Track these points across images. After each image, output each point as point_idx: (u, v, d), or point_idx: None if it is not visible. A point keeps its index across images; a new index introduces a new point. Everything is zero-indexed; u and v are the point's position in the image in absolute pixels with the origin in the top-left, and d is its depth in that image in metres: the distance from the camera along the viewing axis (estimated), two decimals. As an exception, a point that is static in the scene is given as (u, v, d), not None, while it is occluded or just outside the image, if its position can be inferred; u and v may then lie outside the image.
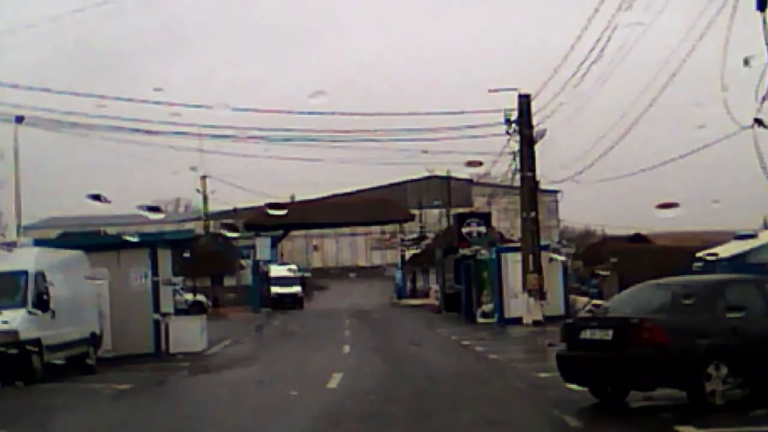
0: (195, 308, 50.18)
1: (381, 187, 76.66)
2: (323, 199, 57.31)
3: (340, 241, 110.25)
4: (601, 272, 47.53)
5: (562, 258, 36.98)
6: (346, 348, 25.85)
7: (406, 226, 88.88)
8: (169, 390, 17.28)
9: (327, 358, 23.13)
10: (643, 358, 12.15)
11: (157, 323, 25.99)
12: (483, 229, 47.49)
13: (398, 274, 65.78)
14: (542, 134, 35.44)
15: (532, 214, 35.18)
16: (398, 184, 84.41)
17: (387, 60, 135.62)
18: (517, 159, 35.54)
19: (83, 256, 23.70)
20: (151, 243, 25.73)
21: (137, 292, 25.92)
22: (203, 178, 75.58)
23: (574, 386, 13.71)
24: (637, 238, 55.79)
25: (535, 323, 34.52)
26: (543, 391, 15.48)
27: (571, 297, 37.57)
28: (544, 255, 35.88)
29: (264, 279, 59.42)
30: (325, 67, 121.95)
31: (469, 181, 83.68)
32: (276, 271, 61.37)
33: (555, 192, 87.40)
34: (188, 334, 26.70)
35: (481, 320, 37.34)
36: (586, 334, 13.13)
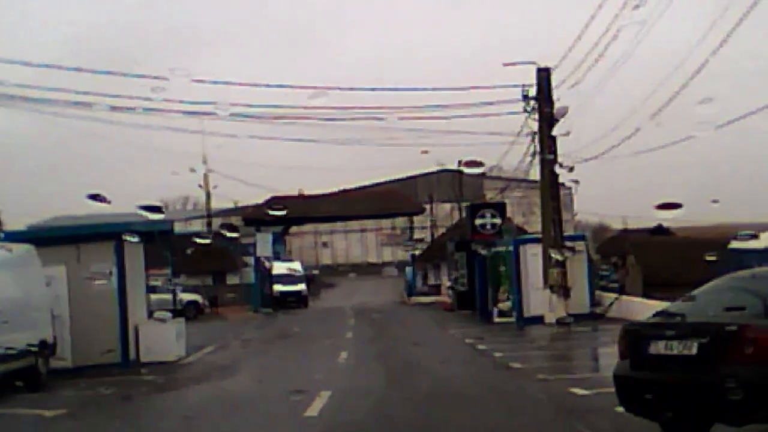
0: (190, 309, 46.53)
1: (391, 181, 72.83)
2: (329, 194, 53.45)
3: (350, 237, 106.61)
4: (618, 262, 43.85)
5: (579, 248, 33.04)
6: (343, 355, 21.96)
7: (417, 219, 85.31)
8: (103, 419, 13.41)
9: (318, 368, 19.24)
10: (747, 380, 8.25)
11: (124, 329, 22.19)
12: (498, 220, 43.53)
13: (408, 271, 61.73)
14: (564, 112, 31.22)
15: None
16: (408, 178, 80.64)
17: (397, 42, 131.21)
18: (536, 140, 31.57)
19: (32, 252, 19.91)
20: (115, 234, 21.88)
21: (100, 292, 22.14)
22: (205, 173, 72.09)
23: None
24: (659, 230, 52.11)
25: (559, 322, 30.58)
26: (586, 417, 11.60)
27: (597, 293, 33.62)
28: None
29: (266, 277, 55.59)
30: (335, 57, 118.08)
31: (481, 174, 79.81)
32: (279, 268, 57.48)
33: (575, 181, 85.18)
34: (162, 340, 22.88)
35: (498, 319, 33.40)
36: (658, 348, 9.17)
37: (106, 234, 22.05)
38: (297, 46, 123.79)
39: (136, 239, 21.40)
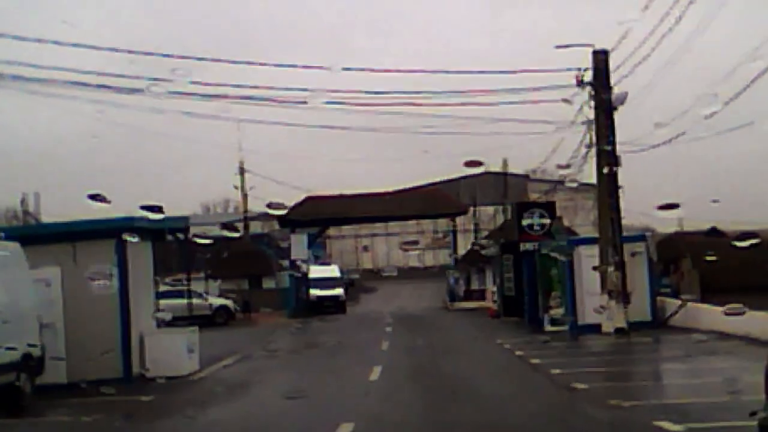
0: (220, 314, 43.71)
1: (432, 184, 69.59)
2: (369, 194, 50.31)
3: (390, 241, 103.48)
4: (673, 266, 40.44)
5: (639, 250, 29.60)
6: (376, 371, 18.75)
7: (461, 221, 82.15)
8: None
9: (343, 389, 16.12)
10: None
11: (126, 339, 19.22)
12: (546, 220, 40.14)
13: (451, 275, 58.40)
14: (623, 99, 28.09)
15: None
16: (450, 181, 77.37)
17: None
18: (593, 129, 28.23)
19: (17, 250, 17.04)
20: (116, 232, 18.92)
21: (100, 296, 19.21)
22: (241, 172, 69.47)
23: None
24: (714, 232, 48.50)
25: (618, 332, 27.25)
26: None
27: (659, 299, 30.16)
28: (627, 248, 28.58)
29: (302, 281, 52.64)
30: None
31: (525, 177, 76.36)
32: (316, 271, 54.53)
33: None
34: (171, 352, 19.89)
35: (549, 328, 30.03)
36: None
37: (105, 231, 19.09)
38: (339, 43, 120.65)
39: (135, 238, 18.42)
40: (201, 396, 16.42)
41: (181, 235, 23.25)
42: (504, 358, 22.29)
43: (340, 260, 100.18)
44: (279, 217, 50.49)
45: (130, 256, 19.52)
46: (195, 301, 42.12)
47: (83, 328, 18.75)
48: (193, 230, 62.06)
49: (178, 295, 43.25)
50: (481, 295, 52.30)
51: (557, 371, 18.09)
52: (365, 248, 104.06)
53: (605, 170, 27.66)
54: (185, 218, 22.62)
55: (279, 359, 23.82)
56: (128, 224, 18.15)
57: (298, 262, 52.93)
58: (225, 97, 27.16)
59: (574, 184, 40.14)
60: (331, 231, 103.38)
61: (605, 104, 27.90)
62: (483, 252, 51.40)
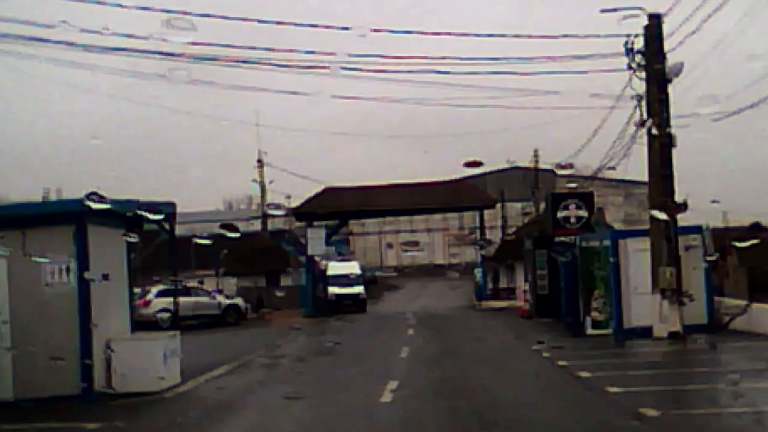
0: (231, 313, 40.17)
1: (458, 180, 65.81)
2: (391, 185, 46.50)
3: (415, 238, 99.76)
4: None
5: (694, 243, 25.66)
6: (391, 388, 15.02)
7: (488, 216, 78.69)
8: None
9: (350, 414, 12.41)
10: None
11: (86, 347, 15.60)
12: (584, 212, 36.27)
13: (479, 272, 54.34)
14: (678, 70, 24.20)
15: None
16: (477, 176, 73.54)
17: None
18: (643, 104, 24.36)
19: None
20: (75, 217, 15.33)
21: (55, 295, 15.65)
22: (260, 165, 66.01)
23: None
24: (756, 227, 44.68)
25: (672, 337, 23.43)
26: None
27: (716, 299, 26.22)
28: (680, 242, 24.70)
29: (320, 278, 48.97)
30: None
31: (552, 172, 72.57)
32: (335, 268, 50.83)
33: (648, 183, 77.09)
34: (145, 363, 16.27)
35: (591, 331, 26.20)
36: None
37: (61, 216, 15.55)
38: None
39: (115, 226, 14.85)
40: (163, 424, 12.76)
41: (166, 225, 19.61)
42: (543, 368, 18.49)
43: (363, 258, 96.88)
44: (294, 210, 46.85)
45: (93, 246, 15.91)
46: (202, 299, 38.70)
47: (34, 333, 15.20)
48: (213, 228, 58.32)
49: (185, 293, 39.84)
50: (510, 293, 48.41)
51: (615, 389, 14.32)
52: (389, 245, 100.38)
53: (658, 150, 23.85)
54: (169, 204, 18.90)
55: (279, 369, 20.13)
56: (88, 207, 14.51)
57: (317, 258, 49.37)
58: (244, 61, 23.55)
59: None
60: (355, 228, 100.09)
61: (658, 76, 24.05)
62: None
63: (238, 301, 42.26)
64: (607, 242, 26.67)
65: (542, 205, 60.02)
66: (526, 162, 70.49)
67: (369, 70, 22.21)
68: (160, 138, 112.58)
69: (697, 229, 25.82)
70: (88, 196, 12.00)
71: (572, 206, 36.62)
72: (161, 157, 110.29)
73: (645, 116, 24.27)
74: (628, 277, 25.74)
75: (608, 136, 28.20)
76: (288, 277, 58.05)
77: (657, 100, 24.05)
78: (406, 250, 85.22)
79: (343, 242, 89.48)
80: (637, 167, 29.99)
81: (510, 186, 77.31)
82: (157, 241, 73.52)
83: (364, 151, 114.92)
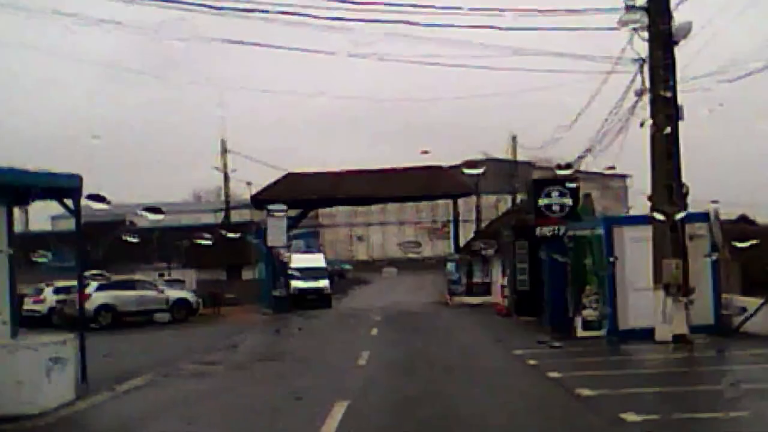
0: (179, 309, 36.24)
1: (431, 167, 62.01)
2: (359, 171, 42.64)
3: (387, 231, 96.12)
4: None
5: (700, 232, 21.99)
6: (338, 412, 11.20)
7: (462, 209, 75.21)
8: None
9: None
10: None
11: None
12: (568, 200, 32.70)
13: (451, 266, 50.51)
14: (686, 31, 20.58)
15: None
16: (450, 168, 69.84)
17: None
18: (645, 69, 20.72)
19: None
20: None
21: None
22: (223, 152, 62.07)
23: None
24: (743, 220, 41.53)
25: (677, 340, 19.86)
26: None
27: (724, 296, 22.60)
28: (686, 230, 21.07)
29: (282, 271, 45.09)
30: None
31: (530, 164, 69.06)
32: (298, 261, 46.95)
33: (624, 176, 73.64)
34: (19, 376, 12.39)
35: (582, 332, 22.52)
36: None
37: None
38: None
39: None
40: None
41: (69, 203, 15.61)
42: (534, 384, 14.74)
43: (333, 251, 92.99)
44: (253, 197, 42.90)
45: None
46: (148, 293, 34.78)
47: None
48: (181, 219, 53.94)
49: (129, 287, 35.91)
50: (485, 288, 44.77)
51: (632, 418, 10.65)
52: (359, 238, 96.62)
53: (663, 122, 20.21)
54: (71, 176, 14.95)
55: (208, 381, 16.24)
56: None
57: (278, 250, 45.45)
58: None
59: (574, 184, 32.94)
60: (324, 220, 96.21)
61: (663, 37, 20.41)
62: (483, 253, 44.12)
63: (188, 295, 38.33)
64: (599, 230, 23.04)
65: (519, 199, 56.53)
66: (502, 154, 67.16)
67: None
68: (131, 130, 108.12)
69: (703, 217, 22.13)
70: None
71: (555, 193, 33.01)
72: (130, 150, 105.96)
73: (648, 84, 20.65)
74: (624, 270, 22.17)
75: (601, 118, 24.58)
76: (251, 270, 54.17)
77: (662, 64, 20.43)
78: (407, 252, 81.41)
79: (312, 235, 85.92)
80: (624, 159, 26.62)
81: (484, 179, 73.92)
82: (116, 233, 69.44)
83: (343, 144, 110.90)
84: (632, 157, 27.52)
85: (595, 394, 12.80)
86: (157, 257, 57.83)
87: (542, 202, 32.90)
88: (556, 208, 32.74)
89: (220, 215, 70.30)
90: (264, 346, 23.66)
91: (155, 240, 57.52)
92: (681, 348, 19.50)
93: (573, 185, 32.43)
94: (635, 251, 22.07)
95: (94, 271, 36.24)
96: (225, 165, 62.11)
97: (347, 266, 79.29)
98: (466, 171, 36.90)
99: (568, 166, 27.20)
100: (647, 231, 21.32)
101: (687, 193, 21.23)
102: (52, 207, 15.99)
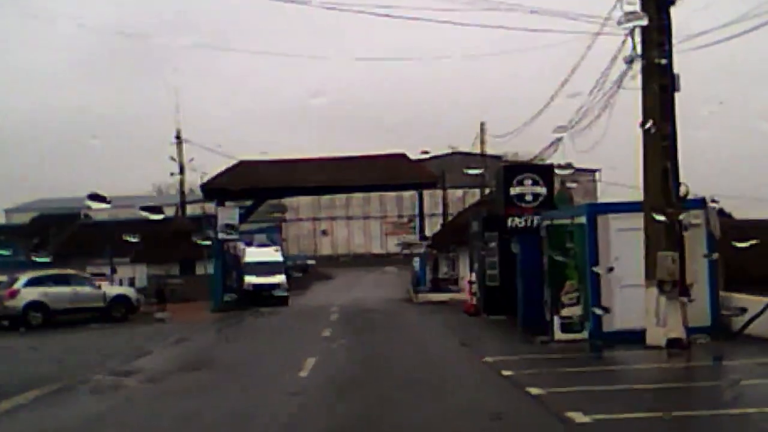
0: (118, 307, 32.91)
1: (394, 155, 58.91)
2: (316, 159, 39.49)
3: (352, 225, 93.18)
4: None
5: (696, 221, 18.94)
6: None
7: (428, 203, 72.41)
8: None
9: None
10: None
11: None
12: (542, 189, 29.78)
13: (417, 261, 47.46)
14: (684, -13, 17.67)
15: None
16: (415, 162, 66.77)
17: None
18: (636, 35, 17.76)
19: None
20: None
21: None
22: (179, 142, 58.66)
23: None
24: (719, 213, 38.82)
25: (672, 345, 16.99)
26: None
27: (722, 294, 19.73)
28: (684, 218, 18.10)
29: (234, 266, 41.88)
30: None
31: (499, 158, 66.21)
32: (252, 255, 43.77)
33: (594, 171, 71.03)
34: None
35: (560, 335, 19.52)
36: None
37: None
38: None
39: None
40: None
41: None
42: (513, 405, 11.71)
43: (297, 246, 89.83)
44: (202, 186, 39.60)
45: None
46: (83, 290, 31.44)
47: None
48: (140, 213, 50.35)
49: (62, 282, 32.55)
50: (452, 284, 41.84)
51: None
52: (324, 233, 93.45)
53: (657, 95, 17.30)
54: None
55: (109, 399, 13.06)
56: None
57: (234, 244, 42.27)
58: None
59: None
60: (287, 213, 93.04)
61: (657, -5, 17.49)
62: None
63: (129, 291, 34.97)
64: (581, 219, 20.10)
65: (486, 191, 53.61)
66: (470, 147, 64.43)
67: None
68: (92, 123, 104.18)
69: (699, 204, 19.13)
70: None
71: (528, 182, 30.04)
72: (91, 143, 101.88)
73: (639, 49, 17.70)
74: (610, 263, 19.24)
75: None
76: (205, 265, 50.87)
77: (656, 27, 17.49)
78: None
79: (276, 230, 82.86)
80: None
81: (451, 172, 71.25)
82: (73, 227, 65.77)
83: (310, 137, 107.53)
84: (607, 146, 24.81)
85: (590, 421, 9.85)
86: (111, 252, 54.73)
87: (514, 191, 29.93)
88: (529, 197, 29.76)
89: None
90: (198, 350, 20.49)
91: (110, 234, 54.64)
92: (677, 355, 16.64)
93: (549, 172, 29.63)
94: (623, 243, 19.15)
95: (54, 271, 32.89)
96: (180, 155, 58.71)
97: (310, 261, 76.11)
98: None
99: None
100: (637, 220, 18.42)
101: (686, 195, 18.34)
102: None
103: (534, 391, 12.29)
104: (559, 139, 26.40)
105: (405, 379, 14.01)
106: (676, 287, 17.40)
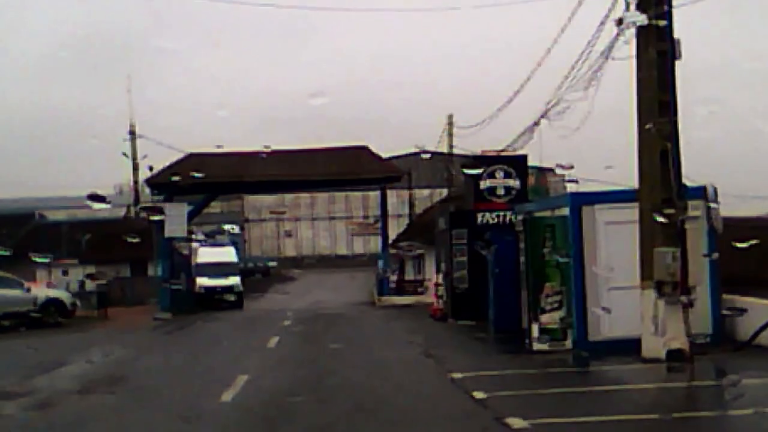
0: (51, 311, 29.69)
1: (355, 147, 55.76)
2: (273, 152, 36.40)
3: (317, 226, 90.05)
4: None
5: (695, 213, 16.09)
6: None
7: (394, 205, 69.53)
8: None
9: None
10: None
11: None
12: (515, 182, 27.14)
13: (381, 262, 44.43)
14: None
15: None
16: (379, 156, 63.68)
17: None
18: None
19: None
20: None
21: None
22: (132, 136, 55.21)
23: None
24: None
25: (673, 357, 14.28)
26: None
27: (725, 297, 16.96)
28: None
29: (184, 266, 38.75)
30: None
31: (467, 158, 63.49)
32: (205, 255, 40.64)
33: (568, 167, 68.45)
34: None
35: (539, 345, 16.65)
36: None
37: None
38: None
39: None
40: None
41: None
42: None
43: (260, 248, 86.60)
44: (148, 180, 36.43)
45: None
46: (11, 293, 28.22)
47: None
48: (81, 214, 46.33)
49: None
50: (418, 287, 38.97)
51: None
52: (288, 233, 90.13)
53: (655, 62, 14.53)
54: None
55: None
56: None
57: (181, 243, 39.09)
58: None
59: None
60: (250, 214, 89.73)
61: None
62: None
63: (62, 295, 31.71)
64: (563, 211, 17.31)
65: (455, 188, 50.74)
66: (437, 146, 61.73)
67: None
68: (52, 122, 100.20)
69: (699, 193, 16.32)
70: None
71: (500, 174, 27.37)
72: (50, 142, 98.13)
73: (633, 7, 14.89)
74: (597, 263, 16.49)
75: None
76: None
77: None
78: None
79: (239, 229, 79.64)
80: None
81: (418, 173, 68.50)
82: (28, 227, 62.02)
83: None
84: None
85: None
86: (56, 254, 51.55)
87: (484, 184, 27.23)
88: (501, 191, 27.12)
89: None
90: (117, 363, 17.43)
91: (66, 235, 51.66)
92: (679, 370, 13.91)
93: (523, 163, 26.95)
94: (612, 238, 16.43)
95: None
96: (134, 150, 55.34)
97: (272, 263, 73.00)
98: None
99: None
100: (628, 212, 15.70)
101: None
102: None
103: (515, 423, 9.46)
104: (536, 123, 23.45)
105: (354, 405, 11.09)
106: (677, 289, 14.66)
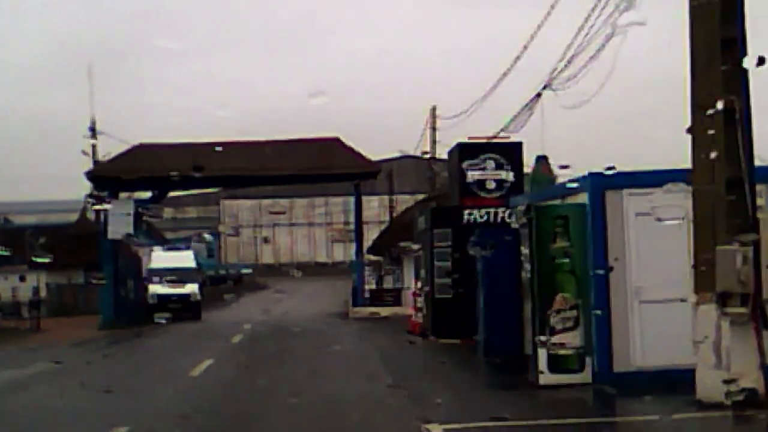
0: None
1: (327, 139, 51.10)
2: (233, 143, 31.86)
3: (295, 232, 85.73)
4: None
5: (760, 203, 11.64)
6: None
7: (376, 210, 65.00)
8: None
9: None
10: None
11: None
12: (508, 174, 22.74)
13: (356, 270, 39.68)
14: None
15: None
16: (352, 149, 58.98)
17: None
18: None
19: None
20: None
21: None
22: (92, 132, 50.57)
23: None
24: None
25: (744, 403, 9.80)
26: None
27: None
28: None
29: (134, 272, 34.09)
30: None
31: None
32: (160, 259, 35.92)
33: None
34: None
35: (548, 378, 12.14)
36: None
37: None
38: None
39: None
40: None
41: None
42: None
43: (238, 254, 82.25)
44: (89, 174, 31.64)
45: None
46: None
47: None
48: (71, 217, 41.63)
49: None
50: (395, 297, 34.45)
51: None
52: (265, 240, 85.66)
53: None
54: None
55: None
56: None
57: (132, 247, 34.49)
58: None
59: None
60: (227, 220, 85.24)
61: None
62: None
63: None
64: (581, 198, 12.82)
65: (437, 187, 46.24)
66: (416, 145, 57.51)
67: None
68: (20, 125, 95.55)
69: (762, 173, 11.78)
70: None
71: (490, 164, 22.92)
72: (17, 145, 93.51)
73: None
74: (626, 268, 12.06)
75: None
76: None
77: None
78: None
79: (213, 235, 75.45)
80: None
81: (401, 177, 64.24)
82: (-10, 231, 57.21)
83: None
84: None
85: None
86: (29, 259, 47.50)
87: (472, 176, 22.80)
88: (491, 185, 22.67)
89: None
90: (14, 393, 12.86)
91: (26, 240, 47.29)
92: (752, 421, 9.52)
93: (518, 152, 22.50)
94: (646, 235, 11.98)
95: None
96: (94, 149, 50.71)
97: (246, 270, 68.44)
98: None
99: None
100: (671, 199, 11.21)
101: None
102: None
103: None
104: (538, 95, 18.94)
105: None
106: (749, 304, 10.20)
